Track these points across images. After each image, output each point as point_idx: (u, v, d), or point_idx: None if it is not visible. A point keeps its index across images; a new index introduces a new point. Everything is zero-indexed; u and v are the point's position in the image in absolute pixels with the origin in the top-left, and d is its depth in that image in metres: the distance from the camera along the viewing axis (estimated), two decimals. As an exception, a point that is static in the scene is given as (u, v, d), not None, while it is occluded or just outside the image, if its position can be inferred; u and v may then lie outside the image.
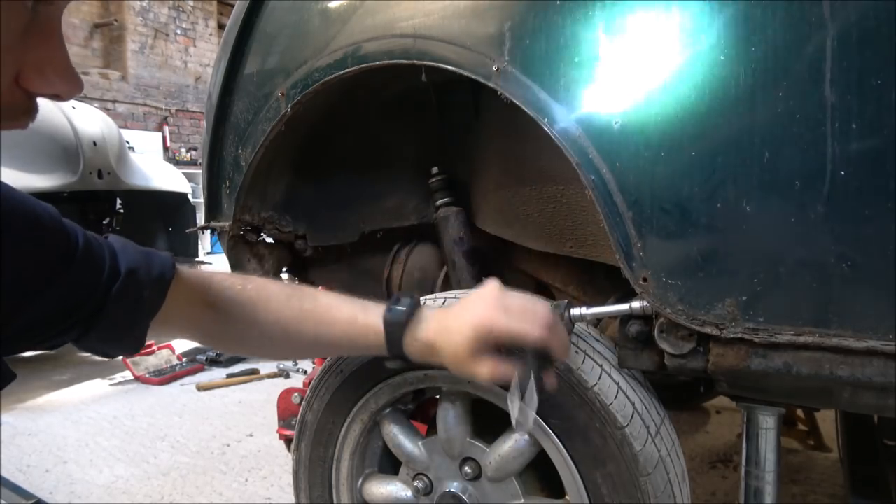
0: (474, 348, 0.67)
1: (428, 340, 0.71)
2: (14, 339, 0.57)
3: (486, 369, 0.67)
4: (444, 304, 0.88)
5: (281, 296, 0.75)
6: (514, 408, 0.65)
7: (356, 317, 0.74)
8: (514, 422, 0.66)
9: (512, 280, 1.28)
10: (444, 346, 0.70)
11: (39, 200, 0.60)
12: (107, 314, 0.62)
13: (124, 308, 0.63)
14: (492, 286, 0.72)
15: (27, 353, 3.39)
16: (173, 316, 0.69)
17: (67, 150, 2.96)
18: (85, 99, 6.47)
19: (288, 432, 1.56)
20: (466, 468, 0.90)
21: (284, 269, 1.33)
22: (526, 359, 0.66)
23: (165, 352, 3.14)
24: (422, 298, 0.92)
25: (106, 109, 6.81)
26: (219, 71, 1.09)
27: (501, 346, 0.68)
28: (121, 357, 2.94)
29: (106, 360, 3.20)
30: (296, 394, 1.53)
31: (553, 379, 0.72)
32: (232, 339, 0.76)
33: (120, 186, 3.20)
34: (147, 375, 2.93)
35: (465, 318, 0.69)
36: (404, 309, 0.72)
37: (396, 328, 0.72)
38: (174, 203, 3.75)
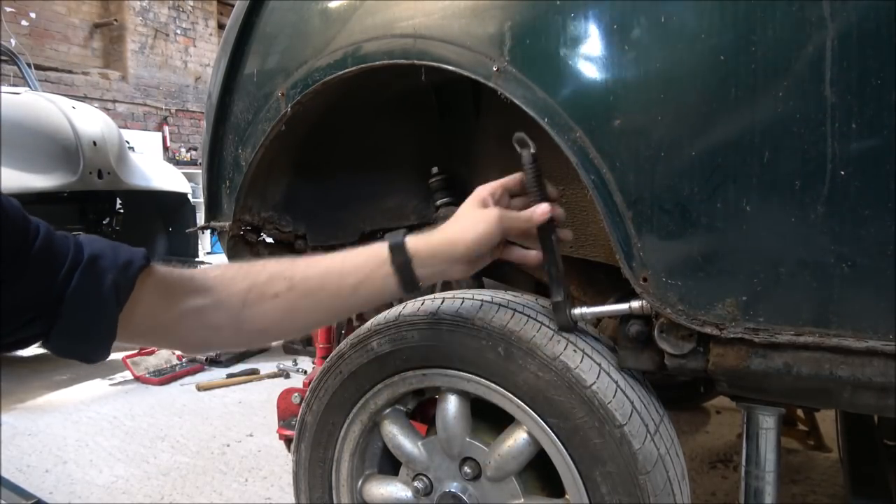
0: (477, 204, 0.77)
1: (430, 233, 0.76)
2: None
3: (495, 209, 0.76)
4: (441, 303, 0.88)
5: (270, 261, 0.74)
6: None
7: (353, 250, 0.76)
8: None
9: (512, 280, 1.27)
10: (450, 223, 0.76)
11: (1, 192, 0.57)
12: (69, 302, 0.59)
13: (87, 294, 0.60)
14: None
15: (27, 353, 3.39)
16: (148, 311, 0.65)
17: (67, 150, 2.96)
18: (85, 99, 6.48)
19: (288, 432, 1.56)
20: (466, 468, 0.90)
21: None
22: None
23: (165, 352, 3.14)
24: (421, 298, 0.92)
25: (106, 109, 6.80)
26: (219, 71, 1.09)
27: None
28: (121, 357, 2.94)
29: (104, 360, 3.20)
30: (296, 394, 1.53)
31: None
32: (227, 323, 0.70)
33: (120, 186, 3.20)
34: (147, 375, 2.93)
35: (460, 210, 0.78)
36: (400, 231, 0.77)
37: (397, 237, 0.74)
38: (174, 203, 3.75)
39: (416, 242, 0.74)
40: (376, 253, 0.74)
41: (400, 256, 0.73)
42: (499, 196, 0.79)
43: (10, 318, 0.57)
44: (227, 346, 0.77)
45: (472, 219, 0.76)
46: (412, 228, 1.24)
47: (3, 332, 0.57)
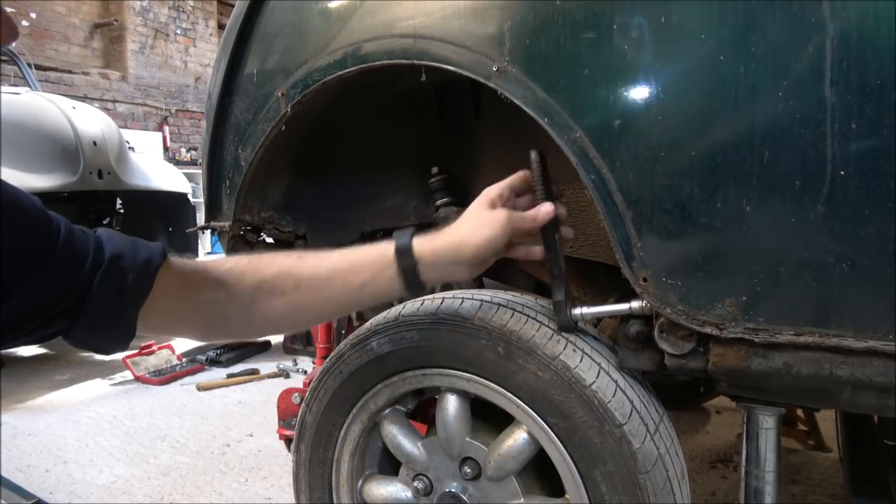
0: (485, 206, 0.77)
1: (438, 235, 0.75)
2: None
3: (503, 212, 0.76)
4: (441, 303, 0.88)
5: (278, 256, 0.76)
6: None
7: (359, 248, 0.76)
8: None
9: (512, 280, 1.28)
10: (458, 225, 0.76)
11: (22, 190, 0.58)
12: (91, 301, 0.60)
13: (108, 294, 0.62)
14: None
15: (27, 353, 3.39)
16: (166, 305, 0.67)
17: (67, 150, 2.96)
18: (85, 99, 6.47)
19: (288, 432, 1.56)
20: (466, 468, 0.90)
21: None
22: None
23: (165, 352, 3.14)
24: (421, 298, 0.92)
25: (106, 109, 6.80)
26: (219, 71, 1.09)
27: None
28: (121, 357, 2.94)
29: (106, 359, 3.21)
30: (296, 394, 1.53)
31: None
32: (238, 315, 0.73)
33: (120, 186, 3.20)
34: (147, 375, 2.93)
35: (468, 212, 0.78)
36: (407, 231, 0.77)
37: (404, 238, 0.75)
38: (174, 203, 3.74)
39: (422, 246, 0.74)
40: (382, 254, 0.74)
41: (406, 260, 0.73)
42: (507, 197, 0.79)
43: (36, 315, 0.58)
44: (240, 335, 0.80)
45: (480, 221, 0.76)
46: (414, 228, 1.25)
47: (29, 328, 0.59)
